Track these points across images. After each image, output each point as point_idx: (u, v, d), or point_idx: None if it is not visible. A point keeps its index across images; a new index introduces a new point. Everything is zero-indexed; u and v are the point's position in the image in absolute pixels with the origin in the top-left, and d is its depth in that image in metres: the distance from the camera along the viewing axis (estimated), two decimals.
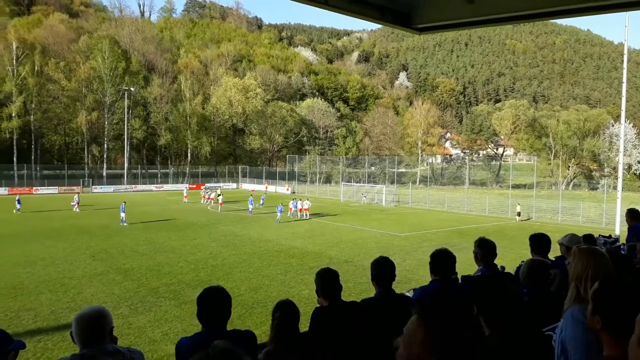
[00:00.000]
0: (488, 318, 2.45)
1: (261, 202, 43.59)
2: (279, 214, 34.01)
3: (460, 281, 4.47)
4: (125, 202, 32.48)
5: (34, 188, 58.36)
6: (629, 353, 1.83)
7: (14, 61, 64.18)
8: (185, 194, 51.12)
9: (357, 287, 15.03)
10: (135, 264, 19.47)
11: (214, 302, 3.07)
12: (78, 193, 43.13)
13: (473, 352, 2.42)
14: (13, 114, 63.30)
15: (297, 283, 16.64)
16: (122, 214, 31.32)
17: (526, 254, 5.29)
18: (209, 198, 46.90)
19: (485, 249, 4.52)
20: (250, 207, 38.64)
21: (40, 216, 35.25)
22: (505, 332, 2.43)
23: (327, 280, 3.74)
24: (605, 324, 2.03)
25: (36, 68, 65.91)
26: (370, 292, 4.07)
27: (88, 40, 78.23)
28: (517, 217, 38.69)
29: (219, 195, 43.44)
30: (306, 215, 36.53)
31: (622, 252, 6.08)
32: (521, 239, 23.60)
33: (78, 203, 39.30)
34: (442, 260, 4.10)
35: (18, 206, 37.43)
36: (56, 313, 13.15)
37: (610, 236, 8.62)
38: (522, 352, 2.39)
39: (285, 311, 3.27)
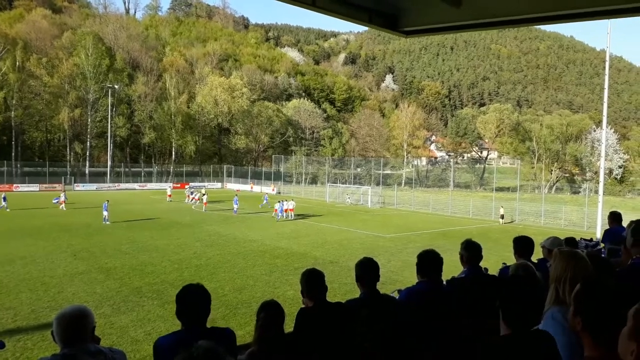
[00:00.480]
0: (511, 318, 2.46)
1: (265, 201, 44.11)
2: (280, 213, 35.57)
3: (445, 283, 4.51)
4: (108, 201, 32.10)
5: (15, 185, 57.42)
6: (619, 345, 1.84)
7: None
8: (169, 193, 50.69)
9: (342, 288, 15.06)
10: (118, 263, 19.27)
11: (193, 300, 3.02)
12: (64, 191, 42.20)
13: (474, 350, 2.46)
14: None
15: (282, 283, 16.62)
16: (105, 213, 30.92)
17: (509, 256, 5.37)
18: (193, 198, 46.43)
19: (471, 251, 4.57)
20: (235, 207, 38.49)
21: (20, 214, 34.68)
22: (525, 332, 2.45)
23: (313, 281, 3.74)
24: (586, 325, 2.06)
25: (17, 63, 64.84)
26: (355, 292, 4.09)
27: (71, 36, 77.19)
28: (500, 220, 39.12)
29: (203, 194, 43.07)
30: (290, 215, 36.54)
31: (603, 255, 6.19)
32: (505, 241, 23.88)
33: (64, 201, 38.49)
34: (429, 261, 4.13)
35: (4, 203, 36.85)
36: (36, 312, 12.97)
37: (591, 239, 8.76)
38: (536, 352, 2.42)
39: (269, 312, 3.27)
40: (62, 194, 39.74)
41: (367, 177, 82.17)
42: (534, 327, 2.55)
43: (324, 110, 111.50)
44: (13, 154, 65.65)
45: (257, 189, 67.41)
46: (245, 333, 10.85)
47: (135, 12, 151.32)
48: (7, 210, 36.21)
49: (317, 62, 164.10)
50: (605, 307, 2.02)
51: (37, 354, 10.07)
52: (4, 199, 37.45)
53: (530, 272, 4.44)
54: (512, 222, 40.22)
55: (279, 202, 38.03)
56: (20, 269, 17.92)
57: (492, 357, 2.36)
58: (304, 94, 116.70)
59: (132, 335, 11.46)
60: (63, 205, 38.23)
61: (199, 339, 2.82)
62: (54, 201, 39.08)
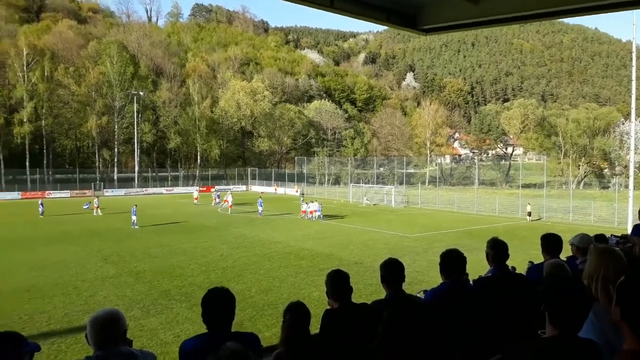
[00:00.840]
0: (559, 318, 2.42)
1: (302, 202, 42.78)
2: (318, 212, 36.70)
3: (471, 282, 4.46)
4: (136, 206, 32.77)
5: (47, 192, 58.93)
6: None
7: (25, 67, 64.86)
8: (195, 196, 51.28)
9: (367, 289, 15.02)
10: (147, 266, 19.60)
11: (218, 304, 3.05)
12: (97, 197, 43.01)
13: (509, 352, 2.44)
14: (24, 119, 63.96)
15: (307, 285, 16.66)
16: (134, 217, 31.51)
17: (537, 255, 5.27)
18: (225, 201, 44.40)
19: (497, 249, 4.51)
20: (260, 209, 38.73)
21: (52, 220, 35.56)
22: (572, 333, 2.41)
23: (338, 282, 3.75)
24: (624, 316, 2.14)
25: (46, 74, 66.54)
26: (381, 293, 4.08)
27: (96, 45, 78.85)
28: (527, 217, 38.44)
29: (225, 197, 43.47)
30: (313, 217, 36.67)
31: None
32: (532, 239, 23.48)
33: (98, 207, 39.20)
34: (452, 261, 4.09)
35: (41, 209, 37.87)
36: (69, 315, 13.28)
37: (622, 236, 8.53)
38: (583, 353, 2.37)
39: (295, 313, 3.29)
40: (95, 200, 40.59)
41: (390, 176, 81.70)
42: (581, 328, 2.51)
43: (345, 111, 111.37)
44: (45, 161, 67.40)
45: (281, 190, 67.72)
46: (272, 334, 10.92)
47: (157, 19, 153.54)
48: (42, 216, 37.12)
49: (337, 63, 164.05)
50: None
51: (71, 356, 10.32)
52: (41, 204, 38.51)
53: (567, 271, 4.35)
54: (539, 219, 39.48)
55: (306, 203, 38.30)
56: (53, 273, 18.38)
57: (541, 356, 2.34)
58: (324, 95, 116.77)
59: (162, 337, 11.63)
60: (97, 210, 38.99)
61: (224, 343, 2.86)
62: (84, 207, 39.90)
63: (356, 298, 3.86)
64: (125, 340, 2.87)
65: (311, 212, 37.05)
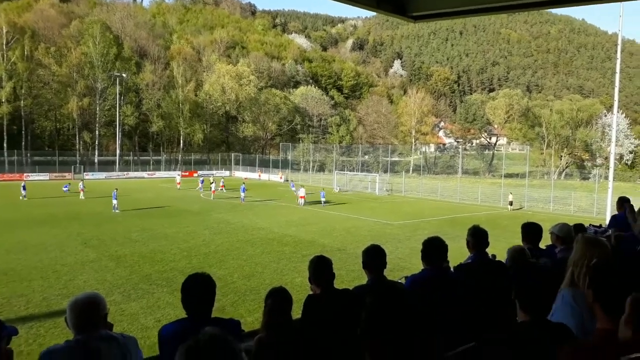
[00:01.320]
0: (528, 305, 2.49)
1: (293, 187, 45.34)
2: (322, 199, 37.79)
3: (452, 270, 4.50)
4: (117, 189, 32.35)
5: (25, 174, 57.89)
6: (619, 332, 2.07)
7: (4, 46, 63.35)
8: (178, 181, 50.96)
9: (350, 275, 15.12)
10: (128, 251, 19.45)
11: (198, 290, 3.01)
12: (82, 180, 42.37)
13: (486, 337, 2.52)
14: (3, 100, 62.56)
15: (290, 271, 16.71)
16: (114, 201, 31.15)
17: (518, 243, 5.34)
18: (221, 187, 45.04)
19: (477, 237, 4.57)
20: (242, 195, 38.61)
21: (31, 203, 35.02)
22: (542, 317, 2.49)
23: (321, 268, 3.75)
24: (596, 297, 2.27)
25: (26, 53, 65.05)
26: (363, 279, 4.10)
27: (79, 25, 77.17)
28: (509, 207, 38.95)
29: (211, 182, 43.19)
30: (301, 202, 36.96)
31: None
32: (513, 227, 23.77)
33: (83, 190, 38.52)
34: (434, 248, 4.13)
35: (24, 192, 37.31)
36: (48, 300, 13.14)
37: (600, 225, 8.69)
38: (553, 336, 2.45)
39: (277, 298, 3.28)
40: (80, 183, 39.93)
41: (375, 164, 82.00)
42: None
43: (332, 97, 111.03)
44: (23, 143, 66.17)
45: (265, 177, 67.53)
46: (254, 320, 10.94)
47: (142, 0, 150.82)
48: (25, 199, 36.56)
49: (324, 49, 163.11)
50: (613, 283, 2.27)
51: (50, 340, 10.23)
52: (24, 187, 37.92)
53: (528, 256, 4.46)
54: (520, 208, 40.03)
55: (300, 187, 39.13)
56: (32, 256, 18.14)
57: (514, 342, 2.42)
58: (311, 80, 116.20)
59: (142, 322, 11.59)
60: (82, 194, 38.22)
61: (203, 328, 2.83)
62: (64, 189, 39.35)
63: (338, 284, 3.88)
64: (105, 324, 2.82)
65: (302, 197, 37.20)
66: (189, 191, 46.10)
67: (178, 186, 49.18)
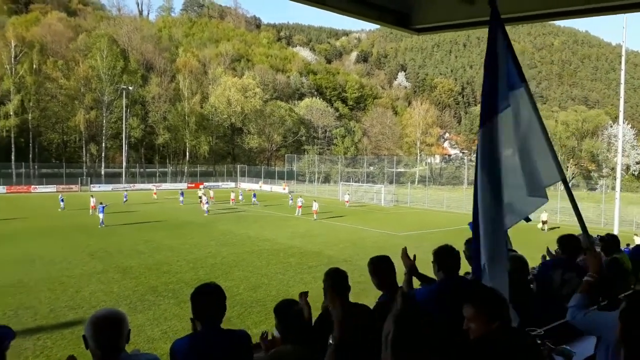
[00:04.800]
0: (490, 313, 2.49)
1: (291, 200, 44.59)
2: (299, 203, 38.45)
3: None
4: (101, 203, 31.01)
5: (32, 186, 58.22)
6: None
7: (12, 59, 64.02)
8: (154, 191, 52.00)
9: (355, 287, 15.01)
10: (134, 262, 19.48)
11: (209, 300, 2.98)
12: (93, 196, 38.90)
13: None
14: (11, 112, 63.16)
15: (296, 282, 16.67)
16: (101, 215, 29.73)
17: (527, 254, 5.30)
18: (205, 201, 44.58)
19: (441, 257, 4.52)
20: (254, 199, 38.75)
21: (38, 214, 35.17)
22: (505, 327, 2.47)
23: (338, 281, 3.72)
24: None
25: (34, 66, 65.76)
26: (369, 292, 4.09)
27: (86, 38, 78.05)
28: (542, 225, 33.49)
29: (200, 196, 40.51)
30: (298, 212, 37.52)
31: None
32: (518, 239, 23.62)
33: (94, 206, 35.00)
34: (450, 257, 4.11)
35: (62, 204, 38.18)
36: (55, 311, 13.16)
37: (600, 237, 8.64)
38: (521, 347, 2.43)
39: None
40: (91, 199, 36.81)
41: (380, 175, 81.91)
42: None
43: (336, 109, 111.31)
44: (30, 155, 66.63)
45: (266, 187, 67.35)
46: (260, 332, 10.89)
47: (148, 13, 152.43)
48: (63, 210, 37.43)
49: (329, 61, 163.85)
50: None
51: (56, 352, 10.24)
52: (62, 200, 38.91)
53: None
54: (530, 221, 39.70)
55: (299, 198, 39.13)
56: (39, 268, 18.21)
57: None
58: (316, 93, 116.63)
59: (149, 334, 11.57)
60: (93, 210, 35.21)
61: (214, 341, 2.82)
62: (60, 202, 39.09)
63: None
64: (127, 342, 2.65)
65: (299, 207, 37.50)
66: (193, 205, 46.07)
67: (154, 196, 49.40)
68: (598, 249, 6.18)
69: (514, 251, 5.13)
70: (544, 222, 33.37)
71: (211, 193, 47.74)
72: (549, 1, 4.37)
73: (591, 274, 3.12)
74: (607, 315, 2.81)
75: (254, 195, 47.30)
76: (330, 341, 3.23)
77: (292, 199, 45.34)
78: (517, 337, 2.53)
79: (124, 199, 43.63)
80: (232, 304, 13.64)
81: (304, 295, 3.61)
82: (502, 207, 3.43)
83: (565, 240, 5.08)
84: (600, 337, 2.81)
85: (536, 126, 3.32)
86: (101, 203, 31.10)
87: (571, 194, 3.49)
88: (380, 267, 3.95)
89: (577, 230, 4.20)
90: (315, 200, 37.98)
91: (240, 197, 47.83)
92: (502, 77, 3.49)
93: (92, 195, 38.85)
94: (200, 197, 40.43)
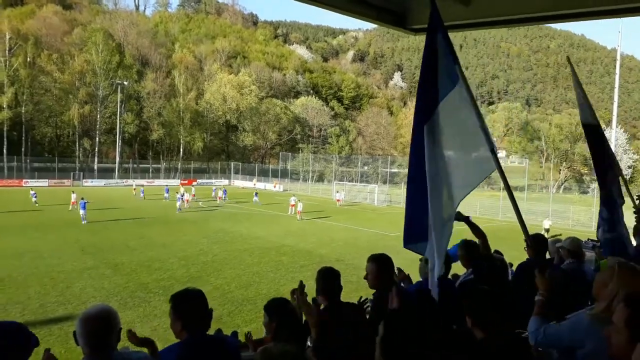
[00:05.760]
0: (482, 322, 2.48)
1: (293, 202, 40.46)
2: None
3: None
4: (82, 198, 30.20)
5: (24, 180, 57.83)
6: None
7: (7, 52, 63.53)
8: (134, 187, 51.18)
9: (347, 286, 15.01)
10: (125, 258, 19.38)
11: (194, 307, 2.79)
12: (73, 192, 37.69)
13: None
14: (4, 105, 62.63)
15: (287, 281, 16.64)
16: (82, 212, 28.92)
17: (513, 256, 5.33)
18: (193, 195, 44.17)
19: (468, 250, 4.59)
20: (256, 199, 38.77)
21: (29, 209, 34.92)
22: (497, 334, 2.46)
23: (329, 280, 3.70)
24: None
25: (29, 59, 65.28)
26: (362, 291, 4.07)
27: (82, 32, 77.51)
28: (546, 234, 33.22)
29: (182, 194, 39.13)
30: (291, 210, 37.11)
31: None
32: (511, 240, 23.75)
33: (74, 202, 34.42)
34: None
35: (34, 199, 37.06)
36: (45, 307, 13.07)
37: (598, 240, 8.66)
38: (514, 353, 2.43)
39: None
40: (72, 195, 36.04)
41: (374, 175, 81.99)
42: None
43: (332, 108, 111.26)
44: (23, 149, 66.14)
45: (260, 185, 67.10)
46: (250, 329, 10.87)
47: (145, 8, 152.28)
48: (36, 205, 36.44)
49: (325, 60, 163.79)
50: None
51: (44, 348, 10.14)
52: (34, 195, 37.78)
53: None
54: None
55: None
56: (28, 262, 18.07)
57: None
58: (311, 91, 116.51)
59: (139, 331, 11.34)
60: (73, 205, 34.63)
61: (202, 350, 2.73)
62: (32, 195, 37.81)
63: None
64: (118, 339, 2.62)
65: (292, 206, 37.16)
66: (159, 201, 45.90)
67: (134, 193, 48.80)
68: (590, 254, 6.19)
69: (500, 254, 5.16)
70: (546, 230, 31.85)
71: (193, 190, 46.86)
72: (546, 3, 4.37)
73: (541, 292, 3.05)
74: (562, 326, 2.79)
75: (256, 195, 46.05)
76: (309, 343, 3.21)
77: (257, 196, 45.54)
78: (510, 339, 2.52)
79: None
80: (223, 302, 13.62)
81: (299, 291, 3.48)
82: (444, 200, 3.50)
83: (535, 239, 5.05)
84: (566, 348, 2.79)
85: (473, 120, 3.35)
86: (82, 199, 30.23)
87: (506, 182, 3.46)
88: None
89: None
90: (300, 201, 36.61)
91: (222, 195, 45.79)
92: (441, 73, 3.54)
93: (73, 191, 37.62)
94: (182, 194, 39.19)
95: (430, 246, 3.57)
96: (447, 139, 3.44)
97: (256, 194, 46.69)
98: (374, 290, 3.88)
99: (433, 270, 3.55)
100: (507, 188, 3.37)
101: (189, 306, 2.79)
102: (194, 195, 44.99)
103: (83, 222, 28.72)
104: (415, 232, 3.59)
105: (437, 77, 3.50)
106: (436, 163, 3.45)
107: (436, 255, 3.51)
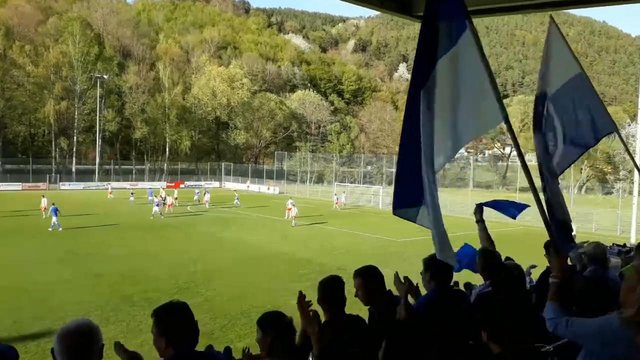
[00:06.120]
0: (498, 336, 2.51)
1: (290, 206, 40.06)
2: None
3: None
4: (54, 204, 30.06)
5: None
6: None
7: None
8: (110, 190, 51.92)
9: (350, 297, 15.04)
10: (107, 268, 19.37)
11: (179, 321, 2.82)
12: (44, 196, 36.59)
13: None
14: None
15: (285, 292, 16.63)
16: (54, 218, 28.86)
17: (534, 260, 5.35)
18: (175, 198, 44.12)
19: (487, 260, 4.59)
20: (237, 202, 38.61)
21: (2, 214, 34.87)
22: (514, 345, 2.50)
23: (335, 290, 3.72)
24: None
25: None
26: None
27: (57, 22, 77.57)
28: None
29: (164, 197, 40.56)
30: (288, 215, 37.01)
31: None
32: (528, 245, 23.74)
33: (45, 208, 34.36)
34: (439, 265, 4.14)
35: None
36: (19, 322, 13.06)
37: (624, 245, 8.71)
38: None
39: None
40: (43, 199, 35.47)
41: (379, 175, 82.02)
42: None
43: (331, 103, 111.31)
44: None
45: (254, 188, 67.06)
46: (244, 345, 10.87)
47: None
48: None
49: (324, 50, 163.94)
50: None
51: None
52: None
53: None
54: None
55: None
56: (0, 274, 18.02)
57: None
58: (309, 84, 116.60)
59: None
60: (45, 211, 34.07)
61: None
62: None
63: None
64: (100, 357, 2.62)
65: (288, 210, 37.06)
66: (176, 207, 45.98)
67: (110, 196, 49.32)
68: (615, 260, 6.22)
69: (511, 259, 5.17)
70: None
71: (175, 194, 46.49)
72: None
73: (554, 274, 3.15)
74: (590, 323, 2.84)
75: (237, 197, 46.17)
76: (310, 359, 3.23)
77: (237, 198, 45.77)
78: (528, 353, 2.55)
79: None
80: (214, 316, 13.62)
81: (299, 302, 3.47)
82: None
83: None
84: (592, 347, 2.83)
85: (480, 69, 3.33)
86: (53, 204, 30.03)
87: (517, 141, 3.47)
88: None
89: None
90: (294, 205, 36.54)
91: (207, 198, 45.39)
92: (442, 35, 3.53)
93: (43, 195, 37.00)
94: (164, 198, 40.84)
95: (424, 209, 3.61)
96: (446, 91, 3.43)
97: (237, 196, 46.71)
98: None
99: (435, 238, 3.62)
100: (532, 187, 3.38)
101: (174, 319, 2.81)
102: (176, 198, 44.69)
103: (52, 229, 28.46)
104: (407, 196, 3.64)
105: (437, 40, 3.51)
106: (431, 125, 3.49)
107: (432, 218, 3.58)
